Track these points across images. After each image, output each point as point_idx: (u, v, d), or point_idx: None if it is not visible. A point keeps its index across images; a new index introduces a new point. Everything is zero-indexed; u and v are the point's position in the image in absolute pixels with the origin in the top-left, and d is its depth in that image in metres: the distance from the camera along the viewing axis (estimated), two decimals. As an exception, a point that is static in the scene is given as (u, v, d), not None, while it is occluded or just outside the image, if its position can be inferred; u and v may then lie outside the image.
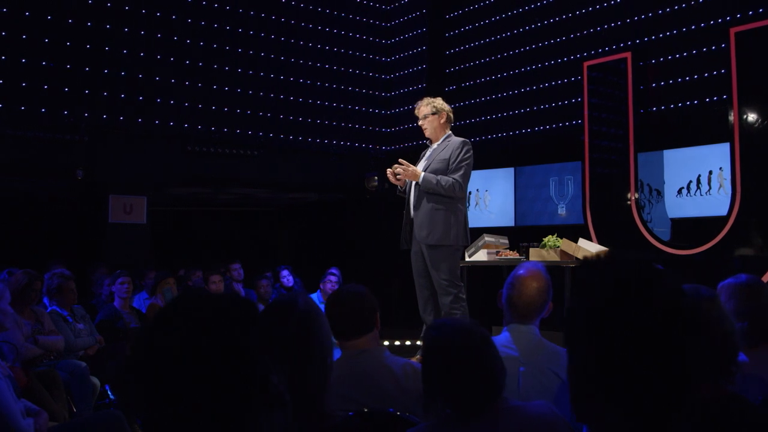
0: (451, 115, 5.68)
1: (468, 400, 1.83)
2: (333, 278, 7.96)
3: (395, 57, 11.11)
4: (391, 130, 10.97)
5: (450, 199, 5.32)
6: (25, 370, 4.41)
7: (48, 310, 5.75)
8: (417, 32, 10.84)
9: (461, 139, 5.52)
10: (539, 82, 9.19)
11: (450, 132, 5.64)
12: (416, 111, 5.69)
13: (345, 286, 2.89)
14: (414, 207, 5.47)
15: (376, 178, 10.28)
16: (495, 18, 9.79)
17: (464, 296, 5.40)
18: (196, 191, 10.62)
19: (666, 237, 7.81)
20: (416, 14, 10.87)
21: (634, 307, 1.05)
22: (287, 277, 8.58)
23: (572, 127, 8.60)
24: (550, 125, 9.09)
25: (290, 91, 10.04)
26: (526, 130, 9.39)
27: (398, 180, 5.54)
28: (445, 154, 5.43)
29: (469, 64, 10.14)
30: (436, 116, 5.57)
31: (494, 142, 9.77)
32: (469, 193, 9.95)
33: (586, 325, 1.08)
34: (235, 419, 0.99)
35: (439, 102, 5.63)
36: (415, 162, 5.64)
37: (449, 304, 5.27)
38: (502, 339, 2.71)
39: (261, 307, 7.39)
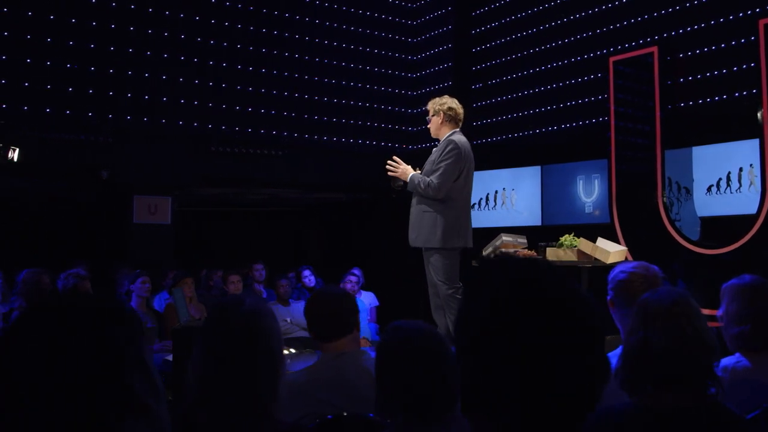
0: (453, 113, 5.47)
1: (422, 407, 1.74)
2: (353, 278, 7.89)
3: (421, 55, 11.02)
4: (417, 129, 10.87)
5: (436, 200, 5.24)
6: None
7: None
8: (443, 30, 10.74)
9: (449, 138, 5.39)
10: (565, 78, 9.03)
11: (454, 131, 5.47)
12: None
13: (324, 287, 2.83)
14: (411, 209, 5.44)
15: (402, 177, 10.18)
16: (521, 14, 9.64)
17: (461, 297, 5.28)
18: (221, 191, 10.66)
19: (695, 236, 7.58)
20: (442, 12, 10.77)
21: (524, 313, 0.96)
22: (309, 277, 8.55)
23: (599, 124, 8.42)
24: (576, 122, 8.92)
25: (315, 91, 10.02)
26: (553, 128, 9.22)
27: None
28: (434, 155, 5.36)
29: (496, 61, 10.01)
30: (436, 117, 5.47)
31: (521, 140, 9.63)
32: (495, 192, 9.82)
33: (473, 331, 0.99)
34: (96, 428, 0.93)
35: (439, 102, 5.50)
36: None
37: (447, 305, 5.19)
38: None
39: (280, 307, 7.37)
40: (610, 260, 5.49)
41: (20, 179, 8.46)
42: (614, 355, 2.65)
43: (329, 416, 2.46)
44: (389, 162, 5.40)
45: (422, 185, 5.21)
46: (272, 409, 1.75)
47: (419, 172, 5.42)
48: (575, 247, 5.66)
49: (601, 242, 5.74)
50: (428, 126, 5.56)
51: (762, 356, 2.74)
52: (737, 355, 2.80)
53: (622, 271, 2.75)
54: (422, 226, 5.27)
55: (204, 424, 1.69)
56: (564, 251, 5.69)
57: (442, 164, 5.25)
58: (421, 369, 1.75)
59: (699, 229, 7.68)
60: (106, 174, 8.37)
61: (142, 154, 8.70)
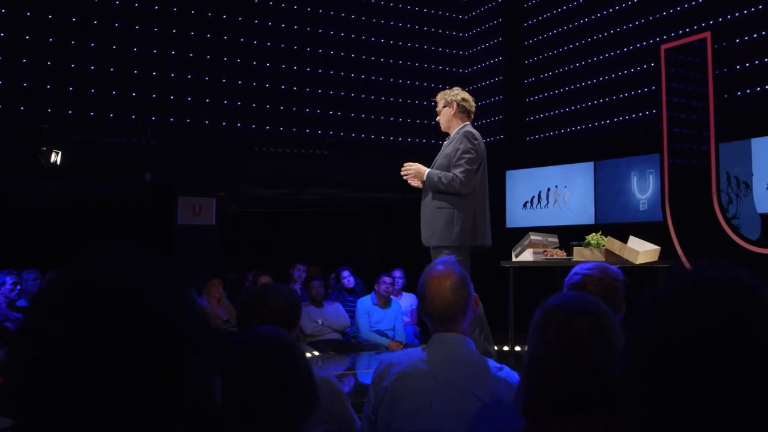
0: (467, 104, 5.24)
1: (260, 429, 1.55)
2: (387, 280, 7.67)
3: (471, 50, 10.72)
4: (468, 125, 10.58)
5: (455, 196, 4.94)
6: (2, 369, 4.43)
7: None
8: (494, 23, 10.42)
9: (465, 130, 5.11)
10: (617, 69, 8.60)
11: (465, 124, 5.22)
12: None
13: (269, 285, 2.66)
14: (421, 207, 5.16)
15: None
16: (571, 5, 9.25)
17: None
18: (267, 192, 10.63)
19: (755, 234, 7.05)
20: (493, 4, 10.45)
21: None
22: (348, 278, 8.40)
23: (653, 116, 7.97)
24: (630, 115, 8.48)
25: (361, 89, 9.87)
26: (606, 122, 8.80)
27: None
28: (450, 149, 5.07)
29: (547, 54, 9.64)
30: (447, 108, 5.22)
31: (573, 135, 9.25)
32: (547, 190, 9.44)
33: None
34: None
35: (451, 93, 5.28)
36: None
37: None
38: (418, 352, 2.39)
39: (312, 308, 7.24)
40: (639, 261, 5.13)
41: (64, 182, 8.63)
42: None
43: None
44: (402, 168, 5.19)
45: (444, 180, 4.92)
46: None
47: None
48: (603, 246, 5.31)
49: (633, 241, 5.37)
50: (437, 119, 5.31)
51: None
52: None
53: (576, 273, 2.47)
54: (436, 223, 5.00)
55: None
56: (591, 251, 5.35)
57: (465, 156, 4.97)
58: (267, 384, 1.55)
59: (759, 227, 7.14)
60: (149, 176, 8.44)
61: (186, 156, 8.74)
